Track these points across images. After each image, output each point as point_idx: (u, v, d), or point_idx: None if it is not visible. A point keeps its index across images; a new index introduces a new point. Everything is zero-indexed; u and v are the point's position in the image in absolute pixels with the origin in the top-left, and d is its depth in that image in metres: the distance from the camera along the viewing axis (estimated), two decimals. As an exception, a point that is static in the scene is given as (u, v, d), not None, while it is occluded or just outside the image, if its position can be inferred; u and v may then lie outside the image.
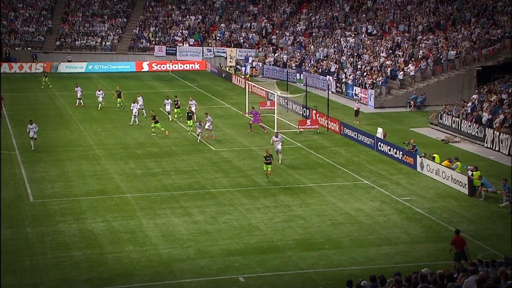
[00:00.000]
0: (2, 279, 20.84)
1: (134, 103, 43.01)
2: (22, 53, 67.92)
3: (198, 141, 38.36)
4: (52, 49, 69.73)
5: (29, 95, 52.55)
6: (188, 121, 40.46)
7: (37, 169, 32.65)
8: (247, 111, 44.51)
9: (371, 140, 38.02)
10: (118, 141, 38.72)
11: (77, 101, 48.13)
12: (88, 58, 68.61)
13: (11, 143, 37.70)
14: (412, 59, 52.90)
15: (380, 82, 51.71)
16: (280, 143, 34.12)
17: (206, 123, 38.97)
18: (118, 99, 46.75)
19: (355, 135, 39.70)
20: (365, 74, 53.68)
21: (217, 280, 21.06)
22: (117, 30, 72.89)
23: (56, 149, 36.76)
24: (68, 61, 67.16)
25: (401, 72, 51.87)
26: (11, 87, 54.20)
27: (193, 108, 42.51)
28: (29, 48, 68.95)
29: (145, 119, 42.73)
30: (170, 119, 42.96)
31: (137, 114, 42.54)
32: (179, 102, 43.76)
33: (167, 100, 44.19)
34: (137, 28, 73.31)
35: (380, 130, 39.17)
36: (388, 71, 52.79)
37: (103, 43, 71.06)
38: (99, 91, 47.50)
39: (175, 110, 43.11)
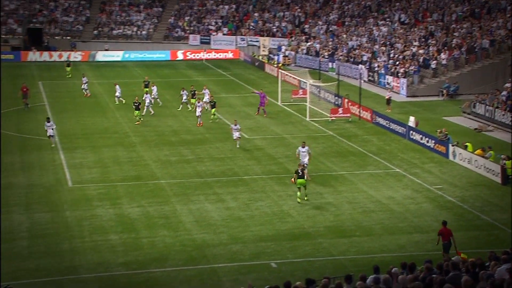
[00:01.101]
0: (44, 261, 21.28)
1: (146, 93, 42.31)
2: (61, 42, 68.81)
3: (199, 124, 39.05)
4: (90, 38, 70.49)
5: (68, 83, 53.27)
6: (212, 109, 40.30)
7: (76, 155, 33.13)
8: (255, 90, 44.89)
9: (403, 128, 37.59)
10: (153, 129, 39.02)
11: (84, 91, 47.22)
12: (124, 47, 69.15)
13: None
14: (445, 47, 52.02)
15: (413, 71, 51.01)
16: (238, 132, 33.90)
17: (204, 96, 41.73)
18: (145, 89, 45.37)
19: (386, 124, 39.30)
20: (397, 63, 53.00)
21: (249, 266, 21.14)
22: (153, 20, 73.27)
23: (93, 135, 37.23)
24: (105, 50, 67.79)
25: (434, 61, 51.07)
26: (51, 75, 55.02)
27: (206, 97, 42.33)
28: (68, 37, 69.82)
29: (160, 108, 42.47)
30: (190, 109, 42.79)
31: (149, 104, 41.85)
32: (196, 92, 43.28)
33: (183, 91, 43.92)
34: (172, 18, 73.59)
35: (412, 118, 38.69)
36: (421, 60, 52.02)
37: (139, 32, 71.54)
38: (115, 84, 46.39)
39: (191, 100, 42.72)
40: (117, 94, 44.72)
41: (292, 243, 22.82)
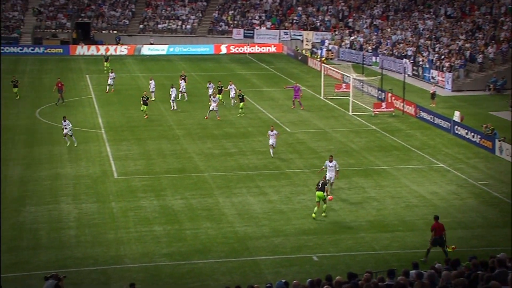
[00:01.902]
0: (90, 250, 21.74)
1: (172, 87, 41.63)
2: (107, 36, 69.90)
3: (206, 117, 38.84)
4: (135, 32, 71.37)
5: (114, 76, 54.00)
6: (241, 103, 40.00)
7: (121, 147, 33.66)
8: (288, 85, 44.55)
9: (447, 123, 36.96)
10: (197, 122, 39.32)
11: (107, 87, 46.45)
12: (169, 41, 69.80)
13: (97, 122, 39.00)
14: (493, 41, 50.80)
15: (458, 65, 50.03)
16: (275, 137, 31.34)
17: (230, 92, 41.55)
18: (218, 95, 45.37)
19: (431, 118, 38.70)
20: (442, 57, 52.05)
21: (291, 259, 21.15)
22: (197, 14, 73.71)
23: (138, 128, 37.75)
24: (151, 43, 68.55)
25: (481, 55, 49.95)
26: (98, 69, 55.96)
27: (232, 93, 42.18)
28: (114, 31, 70.88)
29: (205, 102, 42.37)
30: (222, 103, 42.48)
31: (174, 99, 41.35)
32: (222, 87, 42.70)
33: (210, 84, 43.87)
34: (217, 12, 73.90)
35: (457, 113, 38.02)
36: (467, 54, 50.96)
37: (184, 26, 72.09)
38: (150, 80, 45.33)
39: (218, 95, 42.46)
40: (182, 87, 44.68)
41: (334, 237, 22.73)
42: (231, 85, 42.99)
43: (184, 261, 20.97)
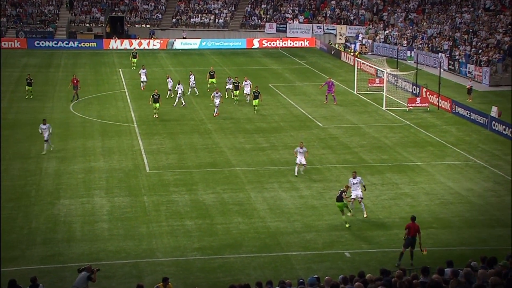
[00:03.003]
0: (123, 243, 22.00)
1: (179, 84, 40.84)
2: (141, 30, 70.51)
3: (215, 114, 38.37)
4: (168, 26, 71.84)
5: (147, 70, 54.47)
6: (255, 100, 39.12)
7: (153, 141, 33.95)
8: (322, 83, 43.54)
9: (484, 119, 36.37)
10: (228, 116, 39.41)
11: (141, 84, 45.55)
12: (201, 35, 70.09)
13: (130, 116, 39.40)
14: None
15: (497, 59, 49.12)
16: (303, 156, 27.91)
17: (245, 88, 40.84)
18: (211, 79, 44.53)
19: (467, 114, 38.12)
20: (480, 51, 51.16)
21: (322, 254, 21.10)
22: (230, 8, 73.82)
23: (170, 122, 38.01)
24: (183, 38, 68.92)
25: (520, 49, 48.95)
26: (130, 63, 56.43)
27: (247, 89, 41.90)
28: (147, 25, 71.46)
29: (196, 98, 41.90)
30: (235, 101, 42.08)
31: (181, 95, 40.67)
32: (239, 84, 42.06)
33: (229, 79, 43.68)
34: (249, 6, 73.89)
35: (494, 108, 37.39)
36: (506, 48, 49.97)
37: (216, 20, 72.29)
38: (167, 78, 44.90)
39: (235, 92, 42.24)
40: (191, 82, 44.78)
41: (366, 233, 22.60)
42: (246, 81, 42.83)
43: (216, 256, 21.08)
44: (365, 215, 23.70)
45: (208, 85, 45.02)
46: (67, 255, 21.13)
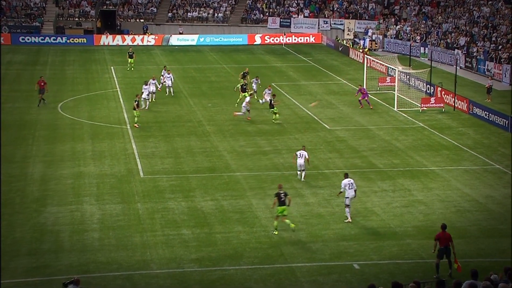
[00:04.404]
0: (115, 254, 22.01)
1: (146, 85, 40.25)
2: (134, 25, 70.62)
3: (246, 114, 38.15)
4: (164, 21, 72.00)
5: (141, 68, 54.67)
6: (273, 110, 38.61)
7: (148, 144, 34.00)
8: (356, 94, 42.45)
9: (504, 120, 36.39)
10: (228, 117, 39.45)
11: (167, 89, 44.28)
12: (199, 30, 70.25)
13: (122, 117, 39.45)
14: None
15: (517, 56, 49.15)
16: (303, 160, 28.29)
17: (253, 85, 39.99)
18: (242, 79, 43.55)
19: (485, 115, 38.15)
20: (500, 47, 51.19)
21: (329, 266, 21.10)
22: (230, 1, 73.97)
23: (166, 124, 38.07)
24: (180, 33, 69.03)
25: (542, 45, 48.98)
26: (123, 60, 56.54)
27: (267, 98, 41.91)
28: (141, 20, 71.59)
29: (219, 97, 42.27)
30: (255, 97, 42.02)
31: (148, 97, 40.16)
32: (247, 85, 41.68)
33: (256, 79, 43.36)
34: (250, -1, 74.08)
35: (515, 109, 37.39)
36: (527, 44, 50.05)
37: (215, 14, 72.43)
38: (168, 73, 44.36)
39: (242, 94, 42.11)
40: (167, 79, 44.10)
41: (376, 243, 22.60)
42: (257, 80, 43.02)
43: (214, 267, 21.07)
44: (348, 220, 24.02)
45: (237, 86, 44.78)
46: (54, 267, 21.14)
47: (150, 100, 41.62)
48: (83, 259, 21.55)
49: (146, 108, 40.15)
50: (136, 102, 36.95)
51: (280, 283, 20.14)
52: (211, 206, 25.99)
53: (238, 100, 41.54)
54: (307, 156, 28.42)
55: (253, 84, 43.26)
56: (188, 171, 30.10)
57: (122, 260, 21.53)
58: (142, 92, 40.44)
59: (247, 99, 38.74)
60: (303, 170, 28.48)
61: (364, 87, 42.56)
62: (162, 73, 45.59)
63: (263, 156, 32.16)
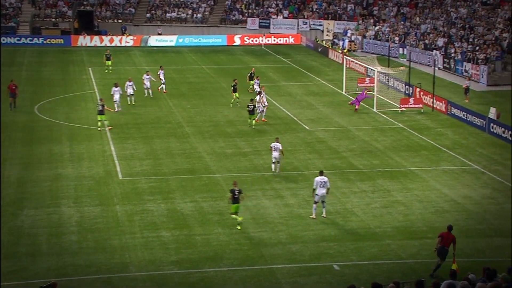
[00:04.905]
0: (93, 257, 21.89)
1: (116, 87, 39.56)
2: (112, 26, 70.21)
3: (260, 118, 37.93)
4: (142, 21, 71.70)
5: (119, 69, 54.39)
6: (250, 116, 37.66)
7: (126, 146, 33.85)
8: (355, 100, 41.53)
9: (482, 121, 36.76)
10: (208, 119, 39.42)
11: (145, 90, 43.91)
12: (178, 31, 70.06)
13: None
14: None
15: (495, 57, 49.70)
16: (278, 152, 28.94)
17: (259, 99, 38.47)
18: (251, 81, 43.41)
19: (463, 116, 38.51)
20: (477, 48, 51.74)
21: (309, 267, 21.17)
22: (209, 2, 73.89)
23: (145, 125, 37.92)
24: (158, 34, 68.80)
25: (519, 46, 49.57)
26: (101, 61, 56.20)
27: (256, 87, 42.03)
28: (119, 21, 71.22)
29: (216, 97, 42.37)
30: (231, 105, 41.79)
31: (118, 100, 39.45)
32: (236, 86, 41.28)
33: (258, 80, 43.67)
34: (230, 0, 74.05)
35: (493, 110, 37.79)
36: (505, 45, 50.58)
37: (194, 15, 72.30)
38: (147, 75, 44.17)
39: (234, 94, 42.00)
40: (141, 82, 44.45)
41: (356, 244, 22.71)
42: (257, 80, 43.07)
43: (194, 270, 21.04)
44: (324, 215, 24.48)
45: (251, 87, 44.49)
46: (31, 270, 20.97)
47: (129, 103, 41.49)
48: (61, 262, 21.40)
49: (120, 109, 39.84)
50: (101, 107, 35.85)
51: (260, 284, 20.17)
52: (191, 207, 25.94)
53: (232, 100, 41.50)
54: (281, 148, 28.99)
55: (255, 86, 42.98)
56: (168, 172, 30.02)
57: (101, 263, 21.42)
58: (112, 95, 40.15)
59: (258, 98, 38.09)
60: (277, 163, 29.07)
61: (364, 93, 41.21)
62: (158, 73, 45.65)
63: (242, 157, 32.18)
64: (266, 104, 38.76)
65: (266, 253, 22.11)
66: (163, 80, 45.37)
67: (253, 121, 36.75)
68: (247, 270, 21.00)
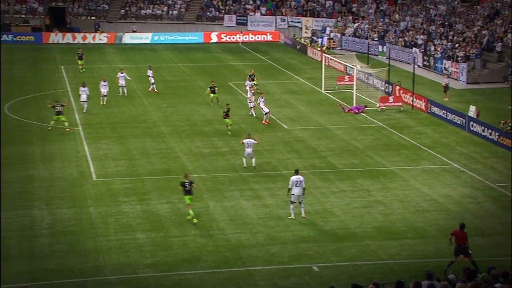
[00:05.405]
0: (66, 260, 21.73)
1: (84, 87, 39.21)
2: (85, 23, 69.72)
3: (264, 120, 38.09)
4: (116, 18, 71.29)
5: (93, 67, 54.05)
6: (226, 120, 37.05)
7: (100, 146, 33.65)
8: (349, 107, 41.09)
9: (462, 119, 37.11)
10: (184, 118, 39.33)
11: (120, 89, 43.85)
12: (153, 28, 69.77)
13: (74, 118, 38.91)
14: (512, 28, 50.97)
15: (474, 55, 50.20)
16: (251, 149, 29.71)
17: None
18: (212, 94, 41.68)
19: (443, 114, 38.84)
20: (456, 45, 52.22)
21: (288, 269, 21.20)
22: (184, -2, 73.70)
23: (120, 125, 37.73)
24: (133, 31, 68.47)
25: (499, 43, 50.12)
26: (74, 59, 55.70)
27: (263, 106, 41.86)
28: (92, 17, 70.73)
29: (193, 96, 42.31)
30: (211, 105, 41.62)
31: (86, 100, 39.31)
32: (216, 88, 41.28)
33: (252, 75, 43.23)
34: (206, -4, 73.93)
35: (472, 108, 38.17)
36: (484, 42, 51.13)
37: (170, 12, 72.05)
38: (121, 73, 44.10)
39: (212, 95, 41.78)
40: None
41: (336, 245, 22.80)
42: (250, 81, 42.84)
43: (171, 272, 20.97)
44: (303, 215, 24.55)
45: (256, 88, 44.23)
46: (2, 274, 20.71)
47: (101, 103, 41.23)
48: (32, 266, 21.22)
49: (84, 111, 39.49)
50: (58, 108, 35.52)
51: (238, 287, 20.17)
52: (167, 209, 25.86)
53: (211, 101, 41.24)
54: (255, 141, 29.65)
55: (247, 87, 42.72)
56: (143, 173, 29.90)
57: (74, 266, 21.27)
58: (80, 95, 39.85)
59: (261, 99, 38.05)
60: (252, 157, 29.72)
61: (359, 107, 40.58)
62: (148, 73, 45.49)
63: (220, 157, 32.14)
64: (256, 105, 38.52)
65: (244, 254, 22.10)
66: (153, 80, 45.16)
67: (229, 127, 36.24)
68: (225, 273, 20.98)
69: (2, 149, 32.82)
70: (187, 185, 24.32)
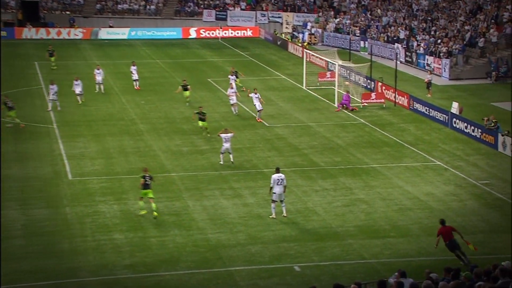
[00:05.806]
0: (41, 262, 21.58)
1: (52, 84, 39.18)
2: (60, 18, 69.20)
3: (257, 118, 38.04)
4: (92, 13, 70.88)
5: (68, 63, 53.69)
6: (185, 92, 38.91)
7: (76, 145, 33.46)
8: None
9: (444, 116, 37.39)
10: (163, 115, 39.23)
11: (97, 86, 43.73)
12: (130, 23, 69.47)
13: (48, 116, 38.68)
14: (496, 23, 51.40)
15: (457, 50, 50.58)
16: (229, 144, 30.03)
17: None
18: (185, 92, 41.12)
19: (426, 111, 39.11)
20: (439, 41, 52.58)
21: (270, 269, 21.24)
22: (162, -7, 73.46)
23: (96, 122, 37.54)
24: (109, 26, 68.12)
25: (482, 39, 50.55)
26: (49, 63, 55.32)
27: (257, 103, 41.75)
28: (67, 12, 70.22)
29: (172, 93, 42.28)
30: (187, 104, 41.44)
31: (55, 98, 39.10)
32: (188, 86, 40.81)
33: (233, 76, 42.83)
34: (184, -10, 73.74)
35: (455, 104, 38.46)
36: (467, 38, 51.54)
37: (147, 6, 71.76)
38: (97, 69, 43.96)
39: (186, 93, 41.37)
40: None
41: (317, 244, 22.88)
42: (256, 94, 39.37)
43: (149, 273, 20.93)
44: (284, 215, 24.67)
45: (241, 86, 43.85)
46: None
47: (79, 102, 40.95)
48: (6, 269, 21.01)
49: (58, 108, 39.26)
50: (9, 103, 35.44)
51: (218, 287, 20.15)
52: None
53: (187, 98, 40.95)
54: (232, 134, 30.23)
55: (231, 81, 42.48)
56: (121, 172, 29.78)
57: (49, 268, 21.15)
58: (49, 93, 39.65)
59: (254, 96, 37.95)
60: (231, 153, 30.10)
61: (347, 95, 40.85)
62: (131, 69, 45.22)
63: (199, 155, 32.10)
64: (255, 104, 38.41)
65: (225, 255, 22.11)
66: (136, 76, 44.87)
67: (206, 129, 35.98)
68: (205, 273, 20.98)
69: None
70: (148, 180, 24.80)
